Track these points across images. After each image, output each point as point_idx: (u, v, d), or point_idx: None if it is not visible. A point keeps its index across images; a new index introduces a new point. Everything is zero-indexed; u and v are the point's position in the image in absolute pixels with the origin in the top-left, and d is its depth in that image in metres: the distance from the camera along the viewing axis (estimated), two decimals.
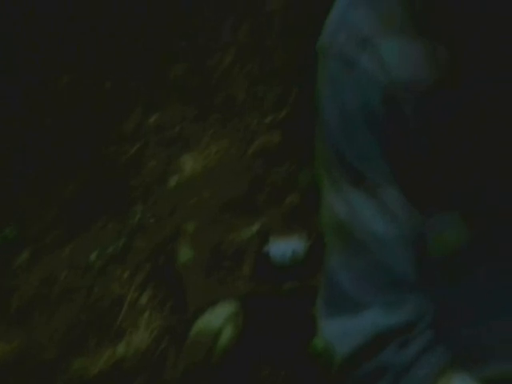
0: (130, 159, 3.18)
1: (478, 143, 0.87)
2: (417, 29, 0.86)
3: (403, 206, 0.88)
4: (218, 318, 2.31)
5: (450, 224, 0.89)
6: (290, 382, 2.12)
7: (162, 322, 2.37)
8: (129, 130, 3.33)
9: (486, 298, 0.91)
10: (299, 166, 2.64)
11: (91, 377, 2.36)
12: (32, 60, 3.73)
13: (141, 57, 3.72)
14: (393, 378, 0.86)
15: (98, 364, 2.37)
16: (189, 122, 3.29)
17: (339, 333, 0.89)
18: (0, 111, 3.62)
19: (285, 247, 2.39)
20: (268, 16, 3.52)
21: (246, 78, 3.48)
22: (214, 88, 3.50)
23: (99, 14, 3.81)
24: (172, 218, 2.80)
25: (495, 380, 0.91)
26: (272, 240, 2.45)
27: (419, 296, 0.89)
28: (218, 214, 2.70)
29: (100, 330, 2.50)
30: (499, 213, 0.89)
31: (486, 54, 0.85)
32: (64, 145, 3.40)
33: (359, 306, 0.88)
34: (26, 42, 3.74)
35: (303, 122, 2.66)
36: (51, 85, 3.58)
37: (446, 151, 0.87)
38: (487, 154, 0.88)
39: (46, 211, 3.14)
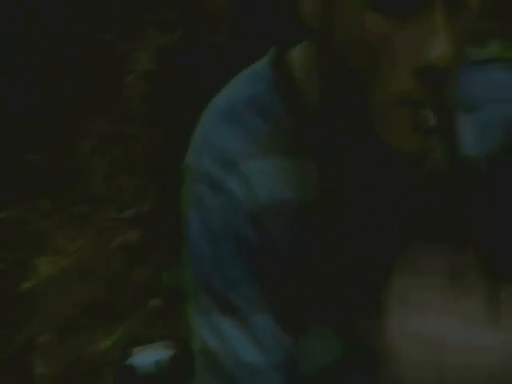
0: None
1: (347, 260, 0.86)
2: (286, 148, 0.85)
3: (274, 333, 0.87)
4: None
5: (322, 341, 0.87)
6: None
7: None
8: None
9: None
10: (162, 265, 2.53)
11: None
12: None
13: None
14: None
15: None
16: (44, 218, 3.12)
17: None
18: None
19: (149, 356, 2.25)
20: (128, 103, 3.45)
21: (105, 168, 3.36)
22: (72, 180, 3.36)
23: None
24: (26, 327, 2.60)
25: None
26: (135, 349, 2.30)
27: None
28: (76, 321, 2.52)
29: None
30: (369, 327, 0.87)
31: (356, 174, 0.85)
32: None
33: None
34: None
35: (166, 217, 2.56)
36: None
37: (315, 269, 0.86)
38: (356, 270, 0.87)
39: None
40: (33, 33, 3.75)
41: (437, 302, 0.74)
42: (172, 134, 3.05)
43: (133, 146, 3.32)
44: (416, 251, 0.80)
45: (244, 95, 0.88)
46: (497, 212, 0.88)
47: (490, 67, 0.91)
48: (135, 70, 3.28)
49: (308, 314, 0.87)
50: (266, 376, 0.86)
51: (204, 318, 0.87)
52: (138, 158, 3.27)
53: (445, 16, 0.71)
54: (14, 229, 3.11)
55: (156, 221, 2.74)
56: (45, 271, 2.78)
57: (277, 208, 0.85)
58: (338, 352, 0.87)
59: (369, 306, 0.86)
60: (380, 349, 0.84)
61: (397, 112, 0.74)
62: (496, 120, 0.88)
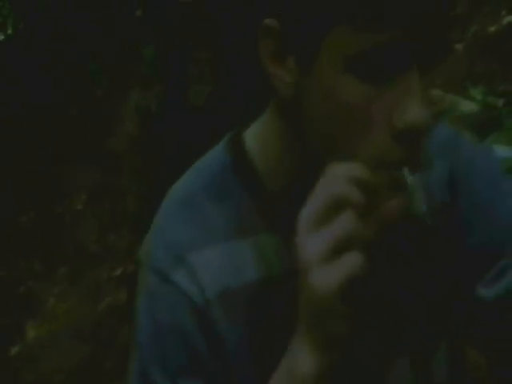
0: None
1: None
2: (246, 227, 0.84)
3: None
4: None
5: None
6: None
7: None
8: None
9: None
10: None
11: None
12: None
13: None
14: None
15: None
16: (35, 279, 3.09)
17: None
18: None
19: None
20: (117, 159, 3.44)
21: (97, 225, 3.34)
22: (64, 238, 3.33)
23: None
24: None
25: None
26: None
27: None
28: None
29: None
30: None
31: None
32: None
33: None
34: None
35: None
36: None
37: (276, 345, 0.81)
38: None
39: None
40: (25, 89, 3.79)
41: None
42: (159, 188, 3.01)
43: (124, 200, 3.30)
44: None
45: (200, 180, 0.88)
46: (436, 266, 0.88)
47: (439, 123, 0.90)
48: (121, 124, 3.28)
49: None
50: None
51: None
52: (128, 212, 3.24)
53: (419, 81, 0.72)
54: (5, 291, 3.08)
55: None
56: (33, 335, 2.74)
57: (229, 296, 0.83)
58: None
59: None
60: None
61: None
62: (443, 176, 0.89)
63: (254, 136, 0.87)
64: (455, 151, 0.90)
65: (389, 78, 0.72)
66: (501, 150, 1.79)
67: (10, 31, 4.05)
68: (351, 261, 0.71)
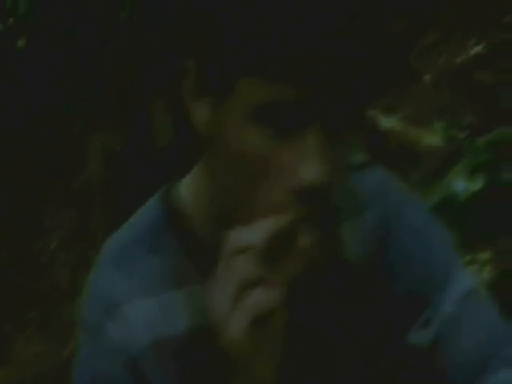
0: None
1: None
2: (179, 278, 0.85)
3: None
4: None
5: None
6: None
7: None
8: None
9: None
10: None
11: None
12: None
13: None
14: None
15: None
16: (5, 321, 3.06)
17: None
18: None
19: None
20: (87, 198, 3.43)
21: (70, 264, 3.32)
22: (37, 277, 3.31)
23: None
24: None
25: None
26: None
27: None
28: None
29: None
30: None
31: None
32: None
33: None
34: None
35: None
36: None
37: None
38: None
39: None
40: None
41: None
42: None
43: (97, 239, 3.29)
44: None
45: (133, 233, 0.89)
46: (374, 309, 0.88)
47: (371, 170, 0.92)
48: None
49: None
50: None
51: None
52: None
53: (321, 138, 0.71)
54: None
55: None
56: (1, 378, 2.71)
57: (160, 347, 0.84)
58: None
59: None
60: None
61: None
62: (375, 223, 0.89)
63: (187, 185, 0.89)
64: (384, 199, 0.90)
65: (291, 132, 0.72)
66: (460, 183, 1.79)
67: None
68: (252, 301, 0.71)
